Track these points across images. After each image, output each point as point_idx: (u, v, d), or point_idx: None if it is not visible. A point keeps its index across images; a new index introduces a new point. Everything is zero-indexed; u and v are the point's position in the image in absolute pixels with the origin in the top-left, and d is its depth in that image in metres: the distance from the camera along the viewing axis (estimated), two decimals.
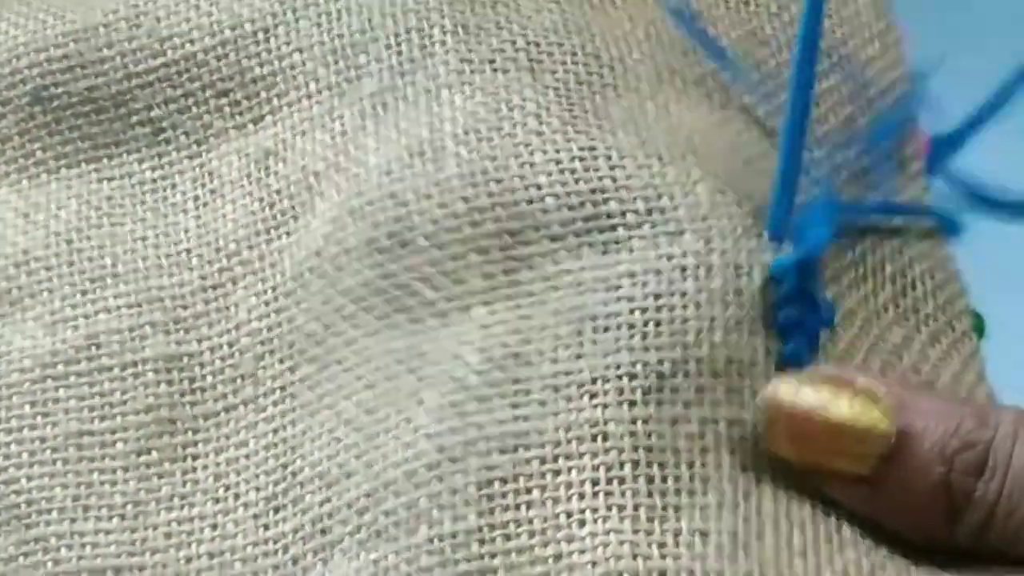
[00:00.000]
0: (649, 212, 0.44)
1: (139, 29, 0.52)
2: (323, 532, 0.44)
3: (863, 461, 0.41)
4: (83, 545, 0.45)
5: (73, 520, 0.46)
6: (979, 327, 0.50)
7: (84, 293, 0.50)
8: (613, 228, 0.44)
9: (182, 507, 0.46)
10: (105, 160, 0.52)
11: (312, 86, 0.51)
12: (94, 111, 0.52)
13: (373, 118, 0.49)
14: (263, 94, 0.51)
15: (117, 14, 0.52)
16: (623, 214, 0.44)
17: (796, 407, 0.41)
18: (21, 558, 0.45)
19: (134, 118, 0.52)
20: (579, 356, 0.43)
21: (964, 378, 0.47)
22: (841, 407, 0.41)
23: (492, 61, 0.49)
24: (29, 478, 0.46)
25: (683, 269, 0.43)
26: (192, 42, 0.52)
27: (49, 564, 0.45)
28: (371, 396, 0.45)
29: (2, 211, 0.52)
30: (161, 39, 0.52)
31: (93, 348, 0.48)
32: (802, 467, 0.41)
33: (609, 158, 0.45)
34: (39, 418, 0.47)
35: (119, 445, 0.47)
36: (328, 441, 0.45)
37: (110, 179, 0.52)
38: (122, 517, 0.46)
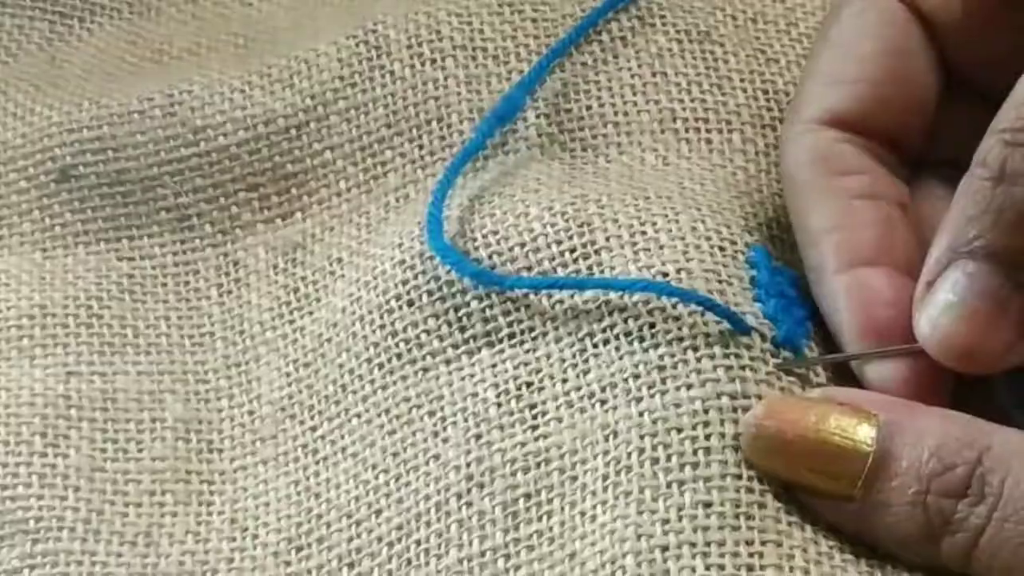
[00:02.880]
0: (632, 236, 0.46)
1: (173, 118, 0.53)
2: (350, 567, 0.44)
3: (845, 480, 0.41)
4: (94, 563, 0.44)
5: (84, 540, 0.45)
6: None
7: (101, 355, 0.49)
8: (597, 252, 0.46)
9: (196, 543, 0.45)
10: (125, 242, 0.53)
11: (342, 184, 0.52)
12: (120, 193, 0.53)
13: (395, 210, 0.51)
14: (294, 191, 0.53)
15: (152, 102, 0.54)
16: (607, 240, 0.46)
17: (779, 425, 0.41)
18: (26, 571, 0.44)
19: (160, 203, 0.53)
20: (586, 372, 0.44)
21: None
22: (823, 426, 0.41)
23: (504, 144, 0.51)
24: (39, 498, 0.45)
25: (664, 275, 0.45)
26: (225, 135, 0.53)
27: None
28: (394, 441, 0.46)
29: (15, 271, 0.51)
30: (195, 129, 0.53)
31: (108, 402, 0.48)
32: (788, 483, 0.42)
33: (599, 200, 0.47)
34: (49, 449, 0.47)
35: (131, 485, 0.46)
36: (355, 485, 0.45)
37: (130, 259, 0.52)
38: (133, 544, 0.45)
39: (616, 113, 0.52)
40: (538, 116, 0.52)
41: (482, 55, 0.53)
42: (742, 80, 0.53)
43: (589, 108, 0.52)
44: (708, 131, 0.52)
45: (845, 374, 0.45)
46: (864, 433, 0.41)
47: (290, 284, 0.51)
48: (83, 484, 0.46)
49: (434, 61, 0.53)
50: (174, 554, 0.45)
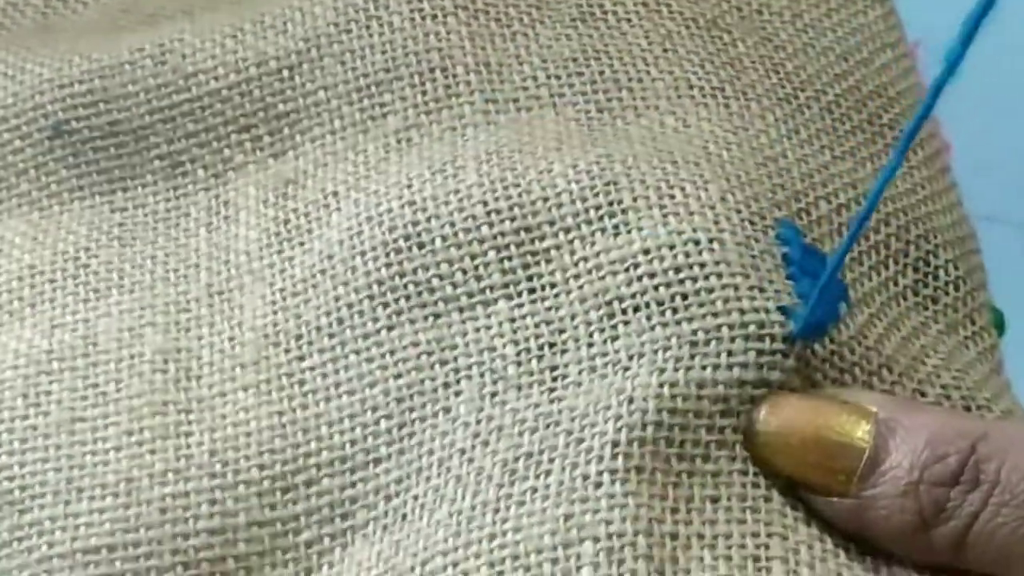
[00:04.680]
0: (660, 198, 0.44)
1: (164, 66, 0.52)
2: (343, 517, 0.43)
3: (842, 476, 0.40)
4: (76, 527, 0.43)
5: (67, 503, 0.44)
6: (999, 323, 0.49)
7: (86, 302, 0.48)
8: (624, 212, 0.44)
9: (176, 482, 0.44)
10: (119, 193, 0.52)
11: (336, 123, 0.51)
12: (114, 145, 0.52)
13: (397, 151, 0.49)
14: (286, 130, 0.51)
15: (143, 51, 0.53)
16: (635, 200, 0.44)
17: (780, 423, 0.41)
18: (15, 543, 0.43)
19: (152, 152, 0.52)
20: (614, 338, 0.42)
21: (977, 369, 0.46)
22: (821, 424, 0.41)
23: (516, 100, 0.49)
24: (22, 464, 0.45)
25: (696, 243, 0.43)
26: (217, 79, 0.52)
27: (44, 547, 0.43)
28: (399, 386, 0.44)
29: (10, 236, 0.51)
30: (186, 75, 0.52)
31: (90, 346, 0.47)
32: (787, 478, 0.41)
33: (625, 161, 0.46)
34: (31, 409, 0.46)
35: (111, 428, 0.45)
36: (352, 427, 0.44)
37: (123, 210, 0.51)
38: (115, 495, 0.44)
39: (630, 79, 0.50)
40: (548, 77, 0.50)
41: (484, 16, 0.52)
42: (752, 62, 0.51)
43: (602, 73, 0.50)
44: (726, 98, 0.50)
45: None
46: (861, 430, 0.40)
47: (280, 216, 0.49)
48: (63, 439, 0.45)
49: (435, 17, 0.51)
50: (155, 499, 0.43)
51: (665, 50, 0.51)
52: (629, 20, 0.52)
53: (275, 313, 0.47)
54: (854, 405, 0.41)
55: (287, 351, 0.46)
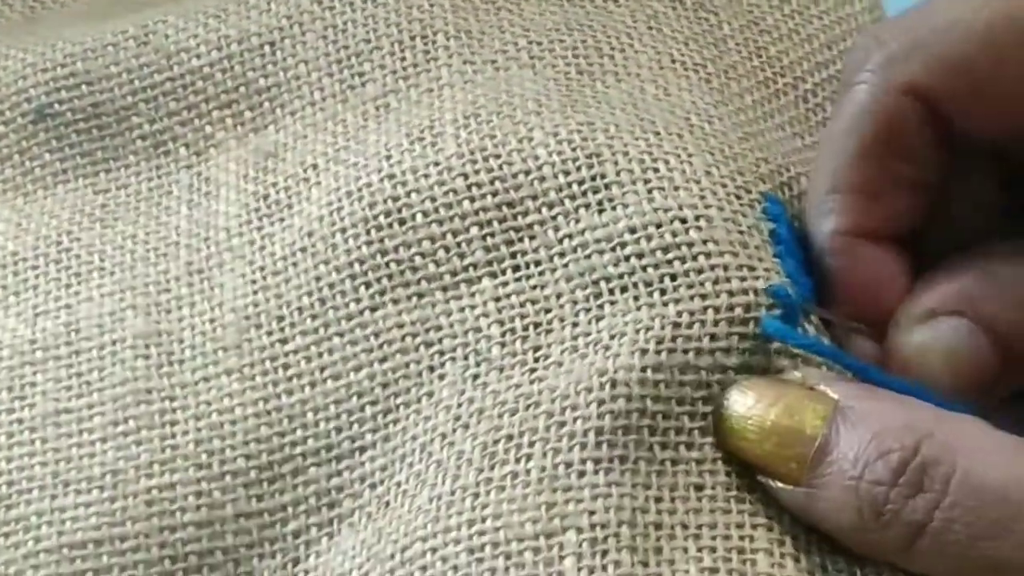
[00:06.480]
0: (644, 171, 0.43)
1: (147, 46, 0.52)
2: (330, 506, 0.42)
3: (793, 464, 0.39)
4: (63, 521, 0.43)
5: (53, 496, 0.43)
6: None
7: (68, 287, 0.48)
8: (608, 187, 0.43)
9: (162, 474, 0.43)
10: (102, 175, 0.51)
11: (316, 95, 0.50)
12: (96, 127, 0.51)
13: (375, 119, 0.49)
14: (266, 104, 0.51)
15: (126, 33, 0.52)
16: (618, 174, 0.43)
17: (743, 405, 0.40)
18: (1, 539, 0.43)
19: (135, 132, 0.51)
20: (599, 318, 0.41)
21: None
22: (779, 409, 0.39)
23: (494, 61, 0.49)
24: (8, 459, 0.44)
25: (683, 221, 0.42)
26: (199, 56, 0.51)
27: (30, 543, 0.43)
28: (384, 369, 0.43)
29: None
30: (168, 55, 0.51)
31: (72, 334, 0.47)
32: (750, 464, 0.40)
33: (607, 131, 0.45)
34: (16, 402, 0.45)
35: (96, 419, 0.45)
36: (338, 413, 0.43)
37: (105, 191, 0.51)
38: (101, 488, 0.43)
39: (612, 48, 0.49)
40: (529, 43, 0.49)
41: None
42: (736, 44, 0.51)
43: (584, 41, 0.49)
44: (708, 74, 0.49)
45: None
46: (818, 417, 0.39)
47: (259, 191, 0.49)
48: (50, 432, 0.45)
49: None
50: (141, 491, 0.43)
51: (650, 27, 0.50)
52: (616, 1, 0.51)
53: (255, 293, 0.46)
54: (817, 392, 0.40)
55: (269, 333, 0.45)
